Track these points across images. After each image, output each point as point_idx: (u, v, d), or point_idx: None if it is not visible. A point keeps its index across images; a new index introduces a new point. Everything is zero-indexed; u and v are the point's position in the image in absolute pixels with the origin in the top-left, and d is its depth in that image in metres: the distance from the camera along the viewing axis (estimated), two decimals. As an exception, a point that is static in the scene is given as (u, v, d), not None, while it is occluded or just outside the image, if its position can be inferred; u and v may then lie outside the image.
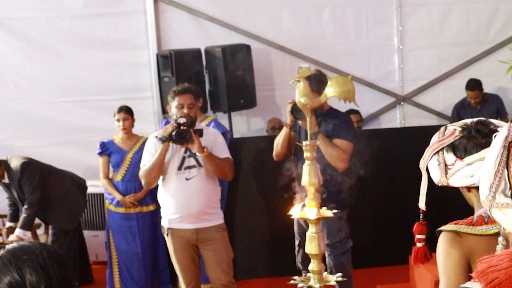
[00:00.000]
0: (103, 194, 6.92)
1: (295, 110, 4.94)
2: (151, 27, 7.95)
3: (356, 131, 5.42)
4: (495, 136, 2.14)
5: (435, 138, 2.52)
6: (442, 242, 2.41)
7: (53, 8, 7.89)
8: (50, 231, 6.66)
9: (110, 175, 6.74)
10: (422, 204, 2.62)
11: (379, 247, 7.02)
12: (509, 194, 2.04)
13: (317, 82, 4.72)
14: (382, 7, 8.46)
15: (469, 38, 8.57)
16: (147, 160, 5.28)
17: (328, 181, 5.02)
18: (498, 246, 2.21)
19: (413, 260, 2.73)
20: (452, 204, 2.64)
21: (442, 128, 2.53)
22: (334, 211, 4.08)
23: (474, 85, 7.94)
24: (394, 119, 8.58)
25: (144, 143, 6.67)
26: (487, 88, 8.26)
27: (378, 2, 8.44)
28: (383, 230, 7.08)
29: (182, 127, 5.11)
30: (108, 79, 8.00)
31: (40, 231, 7.06)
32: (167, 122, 6.80)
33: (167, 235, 5.34)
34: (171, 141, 5.15)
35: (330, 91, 4.05)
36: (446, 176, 2.44)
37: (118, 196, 6.60)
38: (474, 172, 2.37)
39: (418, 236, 2.70)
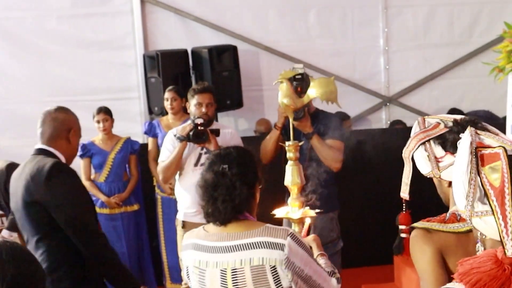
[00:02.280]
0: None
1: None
2: (138, 28, 7.97)
3: (345, 131, 5.44)
4: (459, 143, 2.16)
5: (416, 128, 2.52)
6: (415, 240, 2.43)
7: (40, 8, 7.89)
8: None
9: (92, 177, 6.76)
10: (404, 194, 2.61)
11: (364, 247, 7.07)
12: (486, 201, 2.06)
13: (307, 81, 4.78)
14: (368, 8, 8.51)
15: (454, 40, 8.65)
16: (165, 156, 5.43)
17: (320, 182, 5.07)
18: (478, 253, 2.23)
19: (406, 253, 2.73)
20: (434, 195, 2.63)
21: (420, 119, 2.52)
22: (317, 210, 4.11)
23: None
24: (380, 120, 8.64)
25: (125, 143, 6.75)
26: (472, 90, 8.35)
27: (364, 3, 8.49)
28: (368, 229, 7.13)
29: (199, 127, 5.26)
30: (95, 79, 8.00)
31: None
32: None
33: (182, 227, 5.46)
34: (188, 140, 5.29)
35: (313, 92, 4.09)
36: (438, 169, 2.45)
37: (102, 197, 6.61)
38: None
39: (401, 227, 2.71)
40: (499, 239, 2.00)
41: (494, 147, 2.15)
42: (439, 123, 2.47)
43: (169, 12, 8.07)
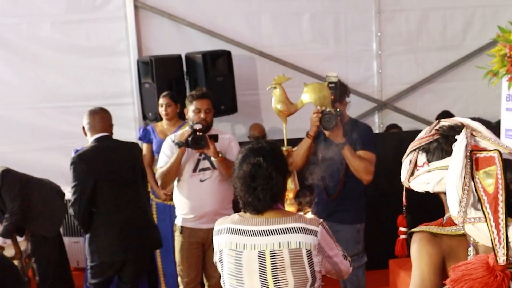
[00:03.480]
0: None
1: (326, 120, 4.75)
2: (132, 33, 7.97)
3: (377, 142, 5.30)
4: (454, 146, 2.14)
5: (421, 134, 2.47)
6: (419, 240, 2.35)
7: (34, 14, 7.89)
8: (30, 238, 6.65)
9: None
10: (403, 198, 2.62)
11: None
12: (480, 207, 2.05)
13: (341, 90, 4.80)
14: (361, 13, 8.54)
15: (447, 44, 8.68)
16: (164, 162, 5.42)
17: (348, 192, 5.07)
18: (469, 257, 2.22)
19: (395, 252, 2.74)
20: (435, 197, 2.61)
21: (435, 123, 2.45)
22: (311, 215, 4.11)
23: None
24: (373, 124, 8.65)
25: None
26: (465, 93, 8.37)
27: (357, 8, 8.52)
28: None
29: (197, 133, 5.26)
30: (89, 85, 8.01)
31: (20, 238, 7.04)
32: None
33: (180, 233, 5.46)
34: (187, 146, 5.29)
35: (306, 97, 4.10)
36: (409, 178, 2.41)
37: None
38: (431, 180, 2.33)
39: (401, 229, 2.71)
40: (491, 246, 2.00)
41: (490, 151, 2.14)
42: (436, 131, 2.43)
43: (162, 18, 8.08)
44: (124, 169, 5.38)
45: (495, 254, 1.98)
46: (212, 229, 5.21)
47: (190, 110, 5.44)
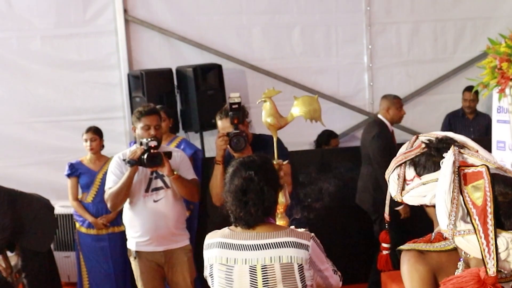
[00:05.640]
0: (73, 215, 6.90)
1: (235, 142, 4.76)
2: (122, 47, 7.96)
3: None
4: (442, 163, 2.15)
5: (402, 149, 2.48)
6: (408, 260, 2.36)
7: (24, 29, 7.87)
8: (20, 253, 6.60)
9: (79, 197, 6.72)
10: (386, 215, 2.64)
11: (341, 266, 7.03)
12: (469, 220, 2.06)
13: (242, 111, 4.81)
14: (352, 26, 8.55)
15: (438, 56, 8.70)
16: (112, 182, 5.18)
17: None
18: (458, 271, 2.23)
19: (378, 266, 2.74)
20: (419, 213, 2.62)
21: (413, 138, 2.48)
22: (302, 229, 4.10)
23: (472, 87, 7.79)
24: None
25: (112, 163, 6.70)
26: (456, 106, 8.38)
27: (348, 21, 8.52)
28: (346, 248, 7.09)
29: (152, 150, 5.02)
30: (80, 99, 7.98)
31: (11, 253, 6.99)
32: (135, 144, 6.82)
33: (135, 258, 5.28)
34: (140, 165, 5.06)
35: (296, 110, 4.09)
36: (401, 192, 2.40)
37: (89, 218, 6.58)
38: (428, 192, 2.33)
39: (383, 245, 2.71)
40: (481, 257, 2.00)
41: (477, 166, 2.16)
42: (422, 143, 2.43)
43: (153, 32, 8.07)
44: None
45: (485, 266, 1.98)
46: (167, 251, 5.25)
47: (139, 127, 5.19)
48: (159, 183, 5.23)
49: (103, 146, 6.77)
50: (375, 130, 6.76)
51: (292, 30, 8.40)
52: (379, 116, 6.95)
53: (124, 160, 5.16)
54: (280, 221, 3.93)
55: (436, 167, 2.32)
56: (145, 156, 5.01)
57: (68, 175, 6.64)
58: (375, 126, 6.83)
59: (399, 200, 2.43)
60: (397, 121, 7.06)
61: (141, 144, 5.11)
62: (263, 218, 3.19)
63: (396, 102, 6.96)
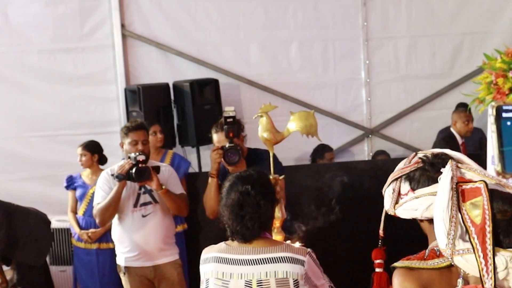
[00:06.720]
0: (70, 229, 6.90)
1: (229, 155, 4.78)
2: (119, 62, 7.94)
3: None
4: (440, 179, 2.14)
5: (400, 165, 2.48)
6: (397, 278, 2.36)
7: (21, 43, 7.86)
8: (16, 267, 6.57)
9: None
10: (380, 230, 2.62)
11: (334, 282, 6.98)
12: (467, 238, 2.04)
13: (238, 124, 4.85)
14: (349, 41, 8.56)
15: (435, 71, 8.71)
16: (101, 197, 5.19)
17: None
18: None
19: (373, 286, 2.72)
20: (413, 229, 2.61)
21: (412, 155, 2.49)
22: (298, 244, 4.08)
23: (465, 105, 7.65)
24: (362, 152, 8.64)
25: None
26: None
27: (345, 36, 8.53)
28: (340, 265, 7.04)
29: (141, 165, 5.03)
30: (76, 113, 7.96)
31: (6, 267, 6.95)
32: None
33: (124, 273, 5.27)
34: (128, 179, 5.06)
35: (293, 125, 4.08)
36: (394, 206, 2.40)
37: (76, 230, 6.61)
38: (419, 206, 2.32)
39: (377, 261, 2.70)
40: (479, 276, 1.99)
41: (475, 181, 2.14)
42: (419, 160, 2.44)
43: (150, 46, 8.07)
44: None
45: (482, 285, 1.97)
46: (156, 266, 5.24)
47: (126, 142, 5.24)
48: (147, 198, 5.24)
49: (100, 161, 6.77)
50: (440, 140, 7.06)
51: (290, 45, 8.40)
52: (451, 128, 7.48)
53: (112, 175, 5.16)
54: (276, 236, 3.92)
55: (430, 181, 2.33)
56: (134, 170, 5.02)
57: (66, 187, 6.75)
58: (444, 137, 7.15)
59: (392, 214, 2.44)
60: (465, 134, 7.53)
61: (129, 158, 5.12)
62: (259, 233, 3.21)
63: (463, 116, 7.42)
